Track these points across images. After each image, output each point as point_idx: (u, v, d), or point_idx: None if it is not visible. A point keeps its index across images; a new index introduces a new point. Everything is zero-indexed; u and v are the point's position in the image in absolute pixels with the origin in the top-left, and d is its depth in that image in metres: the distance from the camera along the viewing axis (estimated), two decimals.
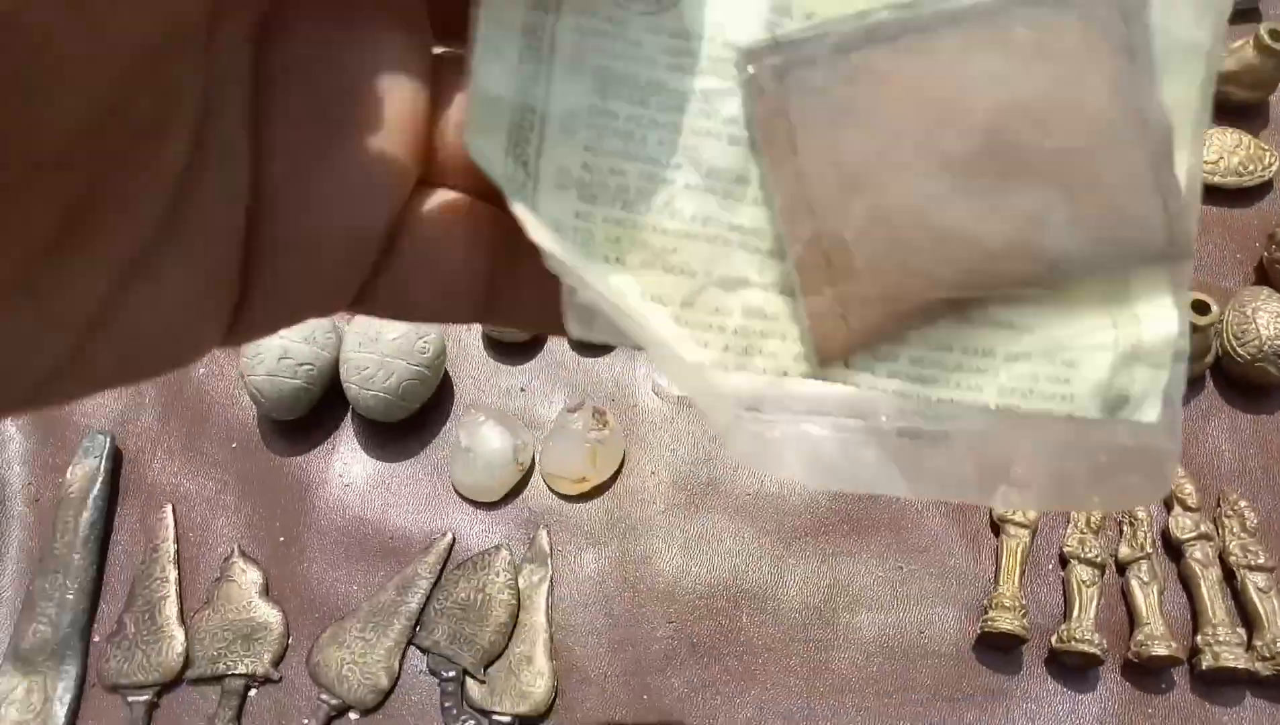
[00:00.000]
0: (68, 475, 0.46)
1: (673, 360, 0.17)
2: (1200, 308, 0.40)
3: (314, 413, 0.49)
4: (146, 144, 0.14)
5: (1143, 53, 0.20)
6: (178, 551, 0.47)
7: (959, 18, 0.18)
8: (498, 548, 0.45)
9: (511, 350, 0.50)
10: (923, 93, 0.18)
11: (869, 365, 0.19)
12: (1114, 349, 0.20)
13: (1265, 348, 0.41)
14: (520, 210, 0.16)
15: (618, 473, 0.46)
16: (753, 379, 0.18)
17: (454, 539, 0.46)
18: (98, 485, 0.46)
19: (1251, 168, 0.45)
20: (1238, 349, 0.42)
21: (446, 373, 0.50)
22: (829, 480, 0.18)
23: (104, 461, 0.46)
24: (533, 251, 0.16)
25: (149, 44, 0.12)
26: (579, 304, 0.16)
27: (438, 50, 0.18)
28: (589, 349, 0.50)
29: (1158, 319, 0.20)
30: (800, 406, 0.18)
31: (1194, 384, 0.44)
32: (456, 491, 0.47)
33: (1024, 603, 0.49)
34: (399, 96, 0.17)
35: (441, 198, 0.18)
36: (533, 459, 0.46)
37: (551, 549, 0.45)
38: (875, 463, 0.19)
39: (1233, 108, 0.49)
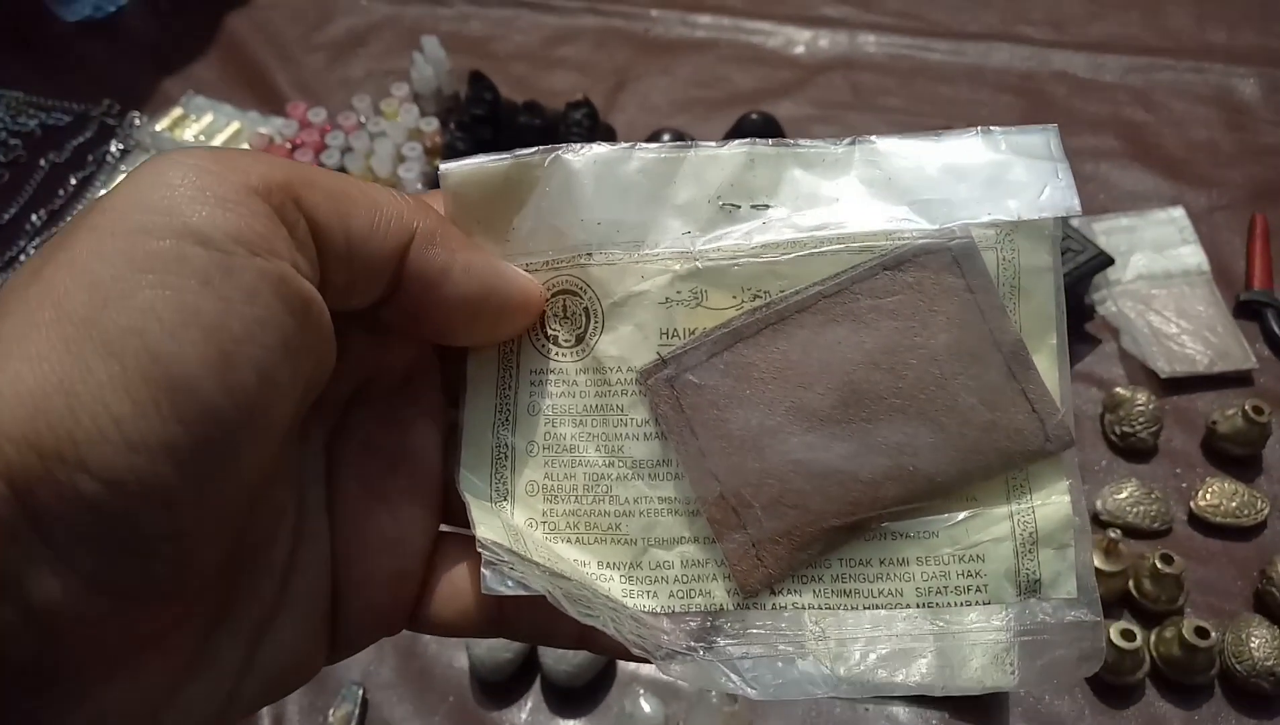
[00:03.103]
0: (329, 717, 0.57)
1: (595, 605, 0.22)
2: (1201, 633, 0.49)
3: (513, 677, 0.56)
4: (264, 551, 0.20)
5: (983, 287, 0.24)
6: None
7: (805, 305, 0.24)
8: None
9: None
10: (786, 369, 0.23)
11: (796, 589, 0.23)
12: (1013, 539, 0.23)
13: (1258, 667, 0.49)
14: (471, 513, 0.22)
15: None
16: (694, 616, 0.23)
17: None
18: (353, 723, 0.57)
19: (1246, 511, 0.56)
20: (1236, 666, 0.50)
21: None
22: (765, 692, 0.22)
23: (356, 707, 0.57)
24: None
25: (256, 485, 0.19)
26: (493, 572, 0.21)
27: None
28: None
29: (1052, 505, 0.23)
30: (737, 633, 0.22)
31: (1203, 691, 0.51)
32: None
33: None
34: (426, 467, 0.23)
35: (460, 544, 0.23)
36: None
37: None
38: (812, 670, 0.22)
39: (1229, 460, 0.59)
